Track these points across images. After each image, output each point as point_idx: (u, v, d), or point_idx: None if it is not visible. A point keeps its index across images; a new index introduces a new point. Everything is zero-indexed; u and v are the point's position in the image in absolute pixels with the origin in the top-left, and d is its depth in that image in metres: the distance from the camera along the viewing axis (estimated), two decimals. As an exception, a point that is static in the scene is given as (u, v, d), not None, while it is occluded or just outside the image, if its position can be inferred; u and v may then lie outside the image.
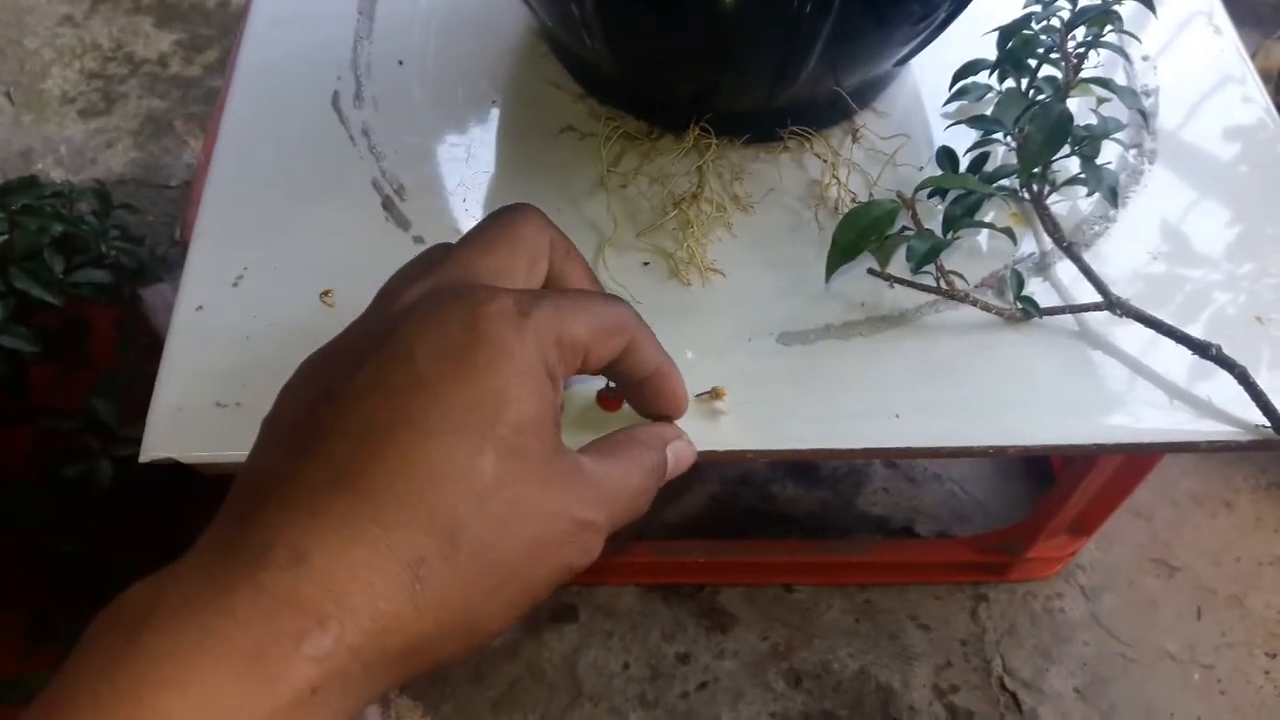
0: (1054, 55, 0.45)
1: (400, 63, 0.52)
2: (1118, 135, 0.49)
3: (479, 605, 0.25)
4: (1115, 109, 0.50)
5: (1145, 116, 0.52)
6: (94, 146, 1.01)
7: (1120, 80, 0.53)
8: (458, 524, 0.24)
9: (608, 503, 0.29)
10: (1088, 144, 0.44)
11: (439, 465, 0.24)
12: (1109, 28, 0.42)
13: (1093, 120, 0.45)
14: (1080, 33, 0.44)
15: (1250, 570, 0.78)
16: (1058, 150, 0.41)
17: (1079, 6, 0.44)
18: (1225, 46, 0.55)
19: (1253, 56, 0.89)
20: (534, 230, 0.31)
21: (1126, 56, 0.53)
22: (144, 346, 0.70)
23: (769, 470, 0.81)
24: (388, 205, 0.46)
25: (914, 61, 0.52)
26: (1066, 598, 0.76)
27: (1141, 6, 0.46)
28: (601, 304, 0.30)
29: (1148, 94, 0.53)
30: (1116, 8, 0.44)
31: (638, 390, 0.34)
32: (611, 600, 0.78)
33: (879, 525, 0.79)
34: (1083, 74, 0.44)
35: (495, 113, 0.50)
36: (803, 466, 0.82)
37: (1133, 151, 0.50)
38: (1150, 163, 0.50)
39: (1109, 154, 0.49)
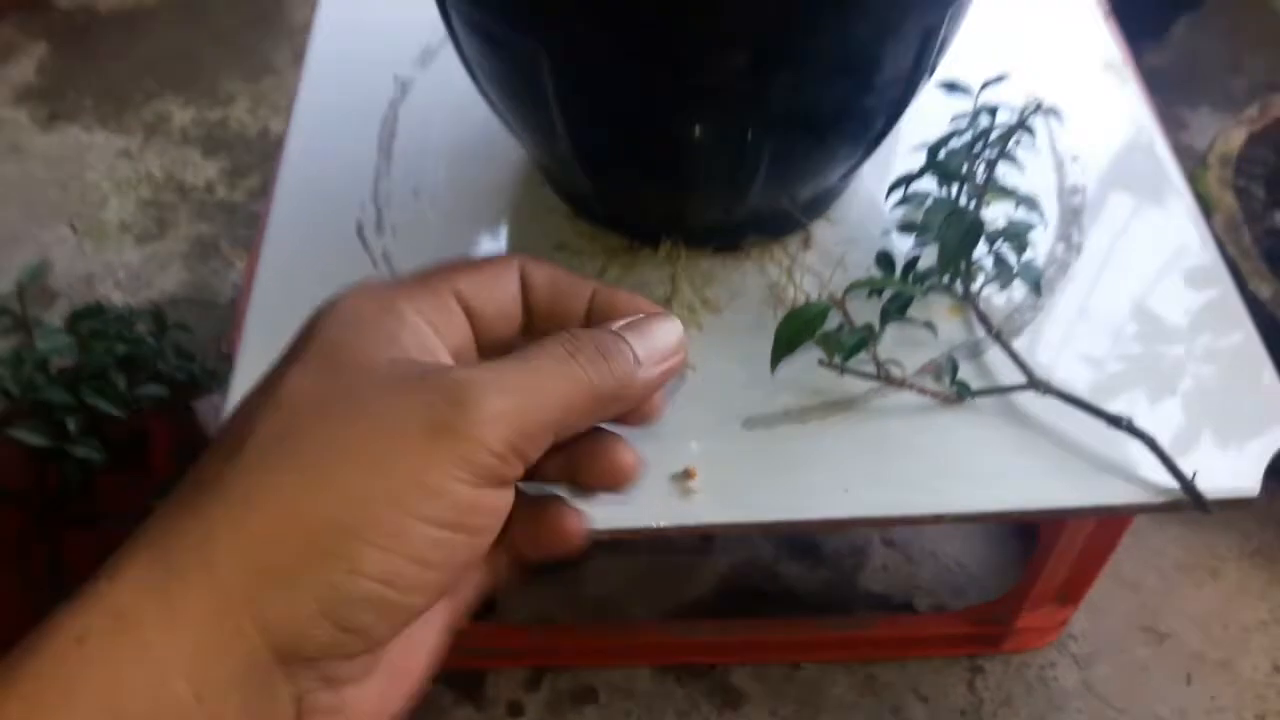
0: (980, 159, 0.51)
1: (416, 193, 0.59)
2: (1049, 228, 0.56)
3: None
4: (1047, 206, 0.57)
5: (1074, 212, 0.58)
6: (149, 269, 1.10)
7: (1051, 179, 0.59)
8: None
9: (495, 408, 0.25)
10: (1011, 242, 0.50)
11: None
12: (1015, 141, 0.48)
13: (1020, 216, 0.51)
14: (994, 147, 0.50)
15: (1237, 636, 0.81)
16: (970, 252, 0.47)
17: (995, 123, 0.51)
18: (1144, 144, 0.61)
19: (1213, 142, 0.95)
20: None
21: (1057, 155, 0.60)
22: (197, 454, 0.77)
23: (774, 552, 0.86)
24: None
25: (866, 173, 0.58)
26: (1059, 666, 0.80)
27: (1076, 103, 0.52)
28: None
29: (1076, 192, 0.59)
30: (1049, 116, 0.51)
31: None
32: (628, 681, 0.82)
33: (880, 602, 0.83)
34: (1007, 178, 0.51)
35: (500, 233, 0.58)
36: (805, 547, 0.86)
37: (1061, 245, 0.56)
38: (1078, 255, 0.56)
39: (1039, 249, 0.56)
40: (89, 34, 1.39)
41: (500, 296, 0.30)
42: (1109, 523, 0.67)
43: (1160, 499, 0.47)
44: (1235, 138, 0.97)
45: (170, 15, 1.41)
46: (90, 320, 0.67)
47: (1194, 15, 1.33)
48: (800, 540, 0.86)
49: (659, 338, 0.30)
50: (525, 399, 0.26)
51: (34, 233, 1.14)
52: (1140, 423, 0.47)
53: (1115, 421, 0.47)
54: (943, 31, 0.45)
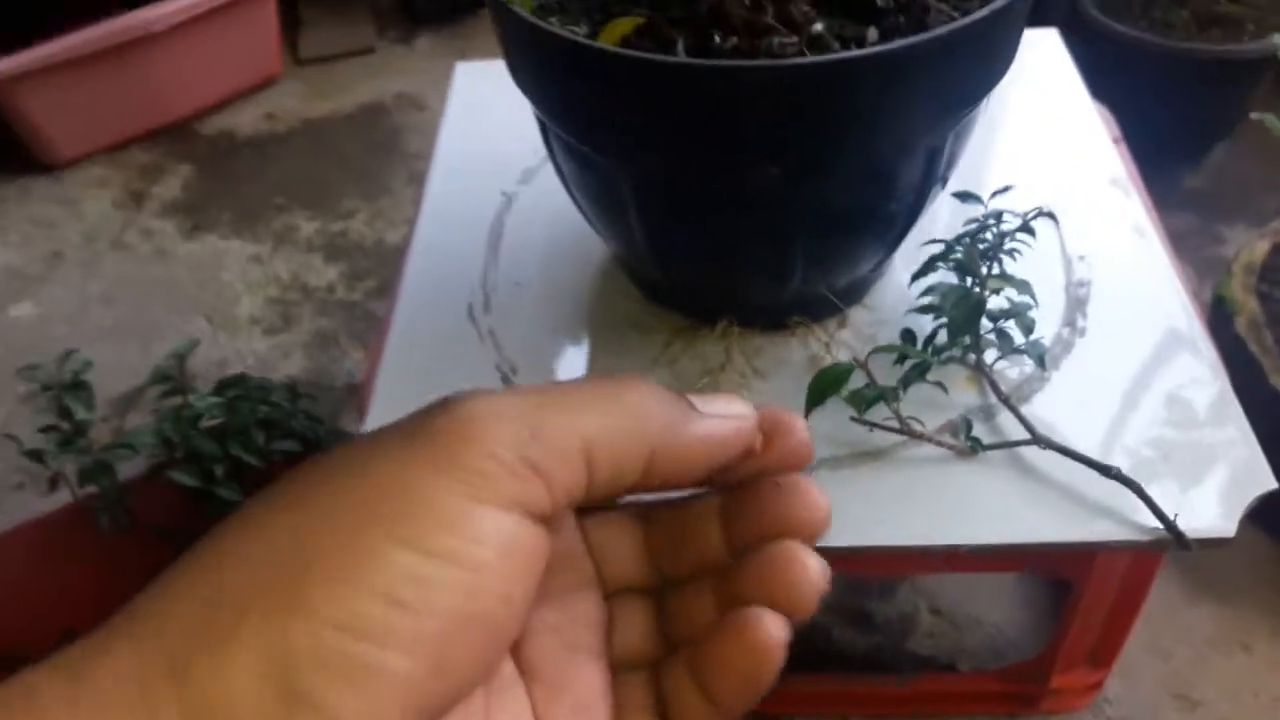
0: (990, 256, 0.61)
1: (517, 283, 0.71)
2: (1057, 314, 0.65)
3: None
4: (1056, 296, 0.66)
5: (1079, 302, 0.67)
6: (274, 356, 1.24)
7: (1060, 275, 0.68)
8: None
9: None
10: (1015, 320, 0.59)
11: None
12: (1009, 242, 0.58)
13: (1027, 302, 0.61)
14: (1000, 243, 0.60)
15: (1268, 705, 0.86)
16: (974, 327, 0.56)
17: (1001, 225, 0.61)
18: (1148, 247, 0.71)
19: (1238, 252, 1.03)
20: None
21: (1065, 255, 0.69)
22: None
23: (828, 619, 0.94)
24: (505, 381, 0.64)
25: (899, 265, 0.69)
26: (1094, 728, 0.85)
27: (1085, 211, 0.61)
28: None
29: (1082, 284, 0.68)
30: (1057, 222, 0.61)
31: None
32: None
33: (926, 664, 0.90)
34: (1016, 272, 0.60)
35: (583, 314, 0.69)
36: (858, 614, 0.94)
37: (1067, 329, 0.65)
38: (1081, 337, 0.65)
39: (1048, 330, 0.65)
40: (229, 157, 1.58)
41: None
42: (1132, 584, 0.74)
43: (1146, 537, 0.55)
44: (1260, 248, 1.05)
45: (301, 142, 1.60)
46: (235, 387, 0.80)
47: (1229, 141, 1.42)
48: (853, 607, 0.94)
49: (720, 401, 0.26)
50: (543, 404, 0.22)
51: (176, 324, 1.30)
52: (1130, 474, 0.55)
53: (1106, 470, 0.56)
54: (947, 150, 0.56)
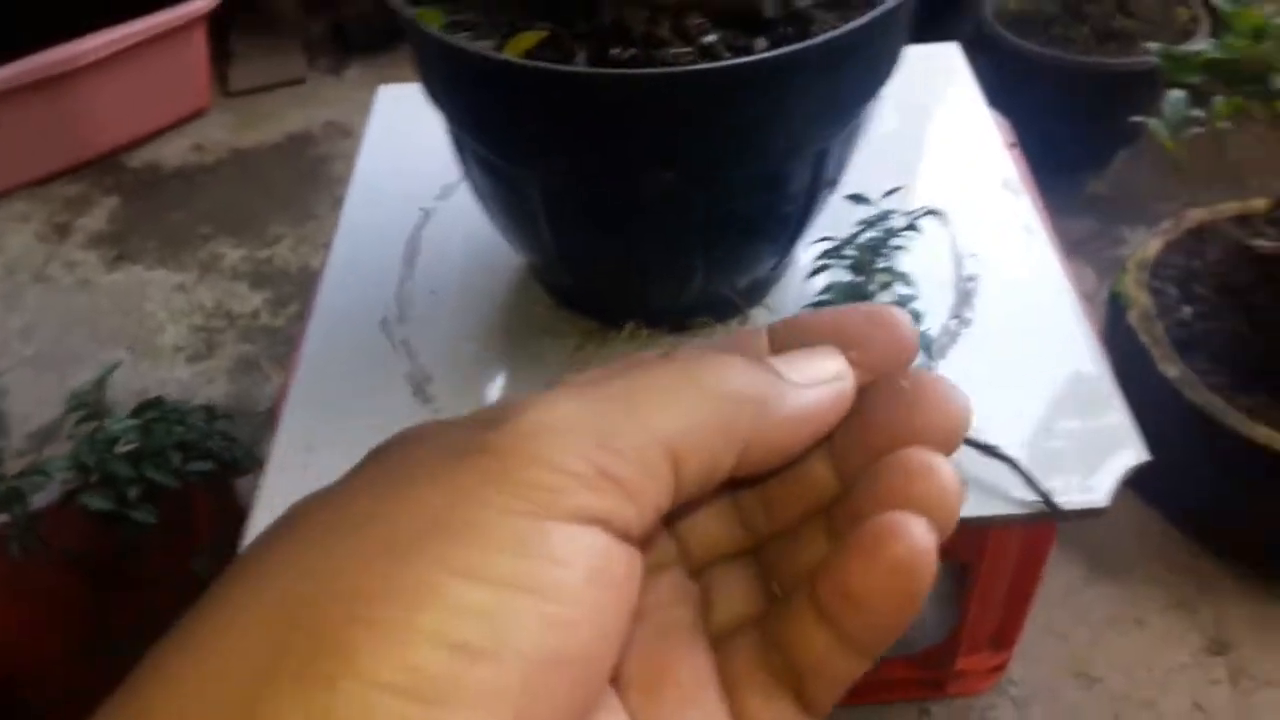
0: (881, 253, 0.65)
1: (433, 293, 0.73)
2: (947, 307, 0.69)
3: None
4: (945, 290, 0.70)
5: (967, 295, 0.71)
6: (197, 384, 1.25)
7: (950, 270, 0.73)
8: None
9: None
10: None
11: None
12: (895, 242, 0.62)
13: (912, 294, 0.65)
14: (886, 240, 0.64)
15: (1161, 678, 0.90)
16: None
17: (890, 224, 0.65)
18: (1035, 244, 0.75)
19: (1134, 250, 1.09)
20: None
21: (956, 252, 0.74)
22: (238, 522, 0.90)
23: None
24: (417, 391, 0.67)
25: (802, 267, 0.72)
26: (999, 709, 0.89)
27: (977, 212, 0.66)
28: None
29: (970, 279, 0.72)
30: (948, 221, 0.65)
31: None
32: None
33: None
34: (909, 268, 0.64)
35: (497, 321, 0.72)
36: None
37: (954, 321, 0.69)
38: (967, 328, 0.69)
39: (936, 322, 0.69)
40: (155, 189, 1.59)
41: None
42: (1027, 564, 0.78)
43: (1025, 510, 0.59)
44: (1152, 246, 1.11)
45: (228, 172, 1.61)
46: (152, 410, 0.81)
47: (1130, 149, 1.49)
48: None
49: (810, 360, 0.22)
50: (613, 407, 0.19)
51: (97, 354, 1.30)
52: (1013, 453, 0.59)
53: (986, 449, 0.59)
54: (835, 153, 0.60)
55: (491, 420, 0.18)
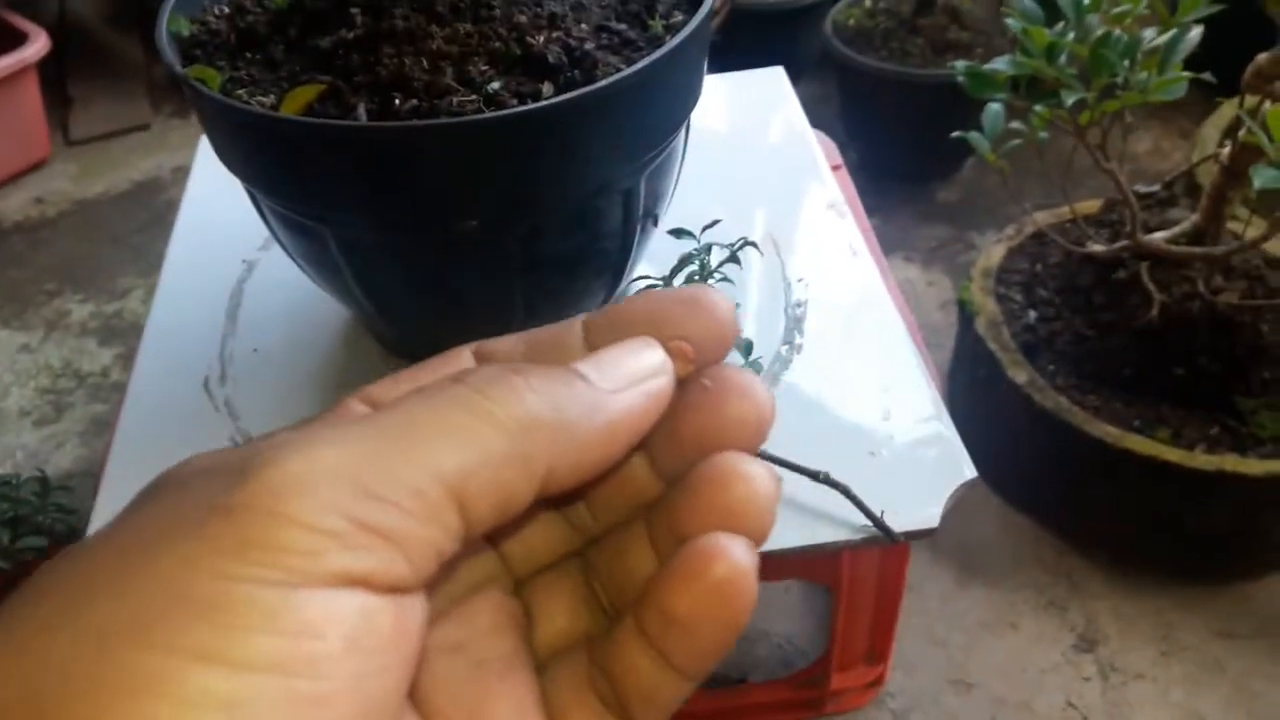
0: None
1: (255, 350, 0.71)
2: (776, 334, 0.69)
3: None
4: (776, 317, 0.70)
5: (797, 320, 0.71)
6: (46, 449, 1.19)
7: (780, 297, 0.73)
8: None
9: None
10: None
11: None
12: (718, 274, 0.62)
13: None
14: (708, 273, 0.64)
15: (1035, 679, 0.92)
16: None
17: (710, 257, 0.64)
18: (860, 265, 0.76)
19: (978, 258, 1.11)
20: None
21: (785, 279, 0.74)
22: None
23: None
24: (244, 452, 0.64)
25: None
26: (878, 721, 0.89)
27: (804, 236, 0.66)
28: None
29: (799, 305, 0.72)
30: (776, 247, 0.65)
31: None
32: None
33: (719, 681, 0.93)
34: (735, 298, 0.64)
35: (323, 374, 0.69)
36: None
37: (785, 347, 0.69)
38: (798, 354, 0.69)
39: (766, 349, 0.69)
40: (-7, 245, 1.51)
41: (430, 377, 0.22)
42: (887, 580, 0.78)
43: (860, 535, 0.59)
44: (995, 253, 1.13)
45: (72, 224, 1.54)
46: (-21, 488, 0.76)
47: (978, 155, 1.53)
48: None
49: (620, 355, 0.21)
50: (379, 449, 0.17)
51: (-62, 427, 1.23)
52: (845, 479, 0.59)
53: (815, 476, 0.59)
54: (642, 190, 0.59)
55: (243, 469, 0.16)
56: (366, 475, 0.17)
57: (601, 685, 0.21)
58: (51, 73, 1.66)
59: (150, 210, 1.55)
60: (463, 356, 0.23)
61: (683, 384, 0.22)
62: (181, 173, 1.61)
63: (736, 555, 0.19)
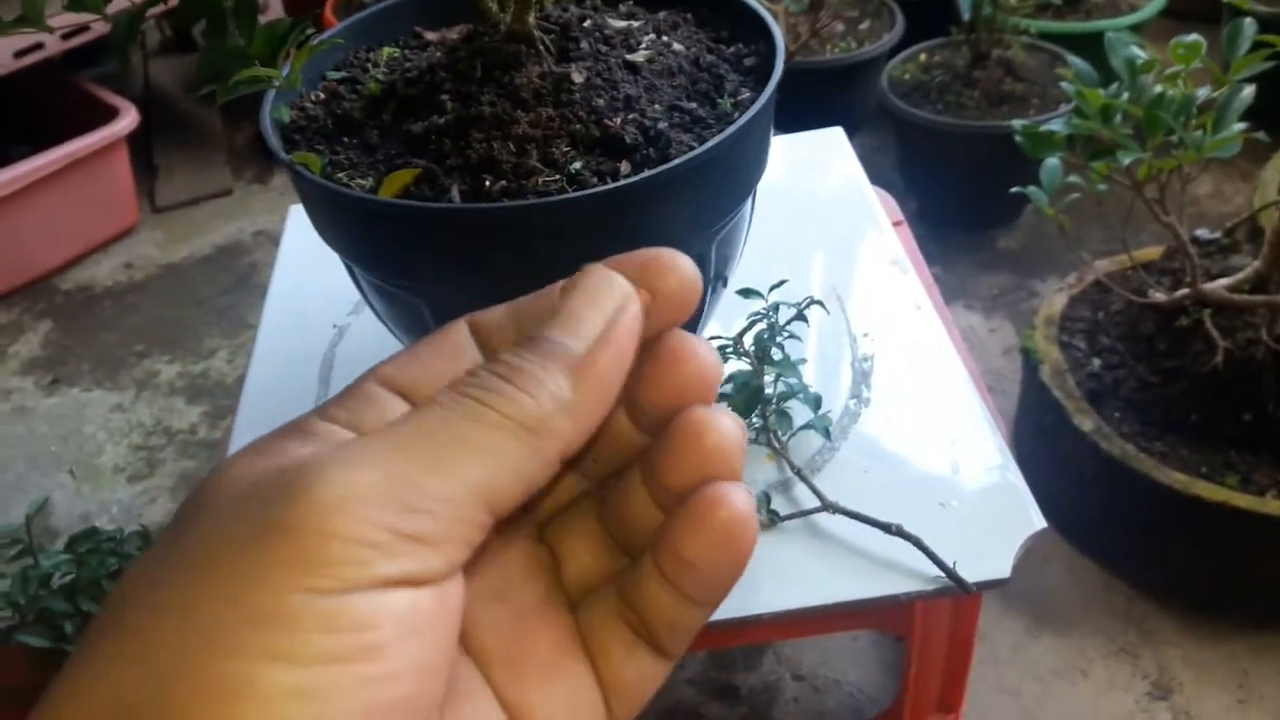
0: (776, 343, 0.67)
1: (348, 411, 0.75)
2: (843, 388, 0.72)
3: None
4: (843, 372, 0.73)
5: (864, 375, 0.74)
6: (139, 503, 1.24)
7: (846, 351, 0.75)
8: None
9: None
10: (803, 397, 0.65)
11: None
12: (785, 332, 0.65)
13: (796, 382, 0.67)
14: (776, 332, 0.66)
15: (1108, 727, 0.92)
16: (753, 410, 0.62)
17: (778, 316, 0.67)
18: (925, 319, 0.78)
19: (1040, 306, 1.13)
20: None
21: (851, 334, 0.76)
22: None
23: (697, 695, 0.97)
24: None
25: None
26: (951, 769, 0.90)
27: (868, 292, 0.69)
28: None
29: (866, 359, 0.75)
30: (843, 302, 0.67)
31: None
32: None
33: (793, 730, 0.94)
34: (803, 353, 0.66)
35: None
36: (724, 688, 0.97)
37: (853, 401, 0.72)
38: (866, 407, 0.71)
39: (834, 404, 0.71)
40: (87, 310, 1.59)
41: (439, 362, 0.24)
42: (959, 630, 0.79)
43: (932, 586, 0.61)
44: (1057, 301, 1.15)
45: (160, 287, 1.62)
46: (86, 542, 0.81)
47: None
48: (718, 681, 0.97)
49: (580, 305, 0.23)
50: (410, 469, 0.19)
51: (37, 481, 1.29)
52: (917, 530, 0.61)
53: (887, 528, 0.61)
54: (713, 255, 0.62)
55: (289, 487, 0.19)
56: (401, 491, 0.19)
57: (630, 617, 0.24)
58: (138, 142, 1.75)
59: (233, 273, 1.62)
60: (459, 329, 0.25)
61: (645, 346, 0.24)
62: (263, 236, 1.69)
63: (738, 501, 0.22)
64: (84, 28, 1.62)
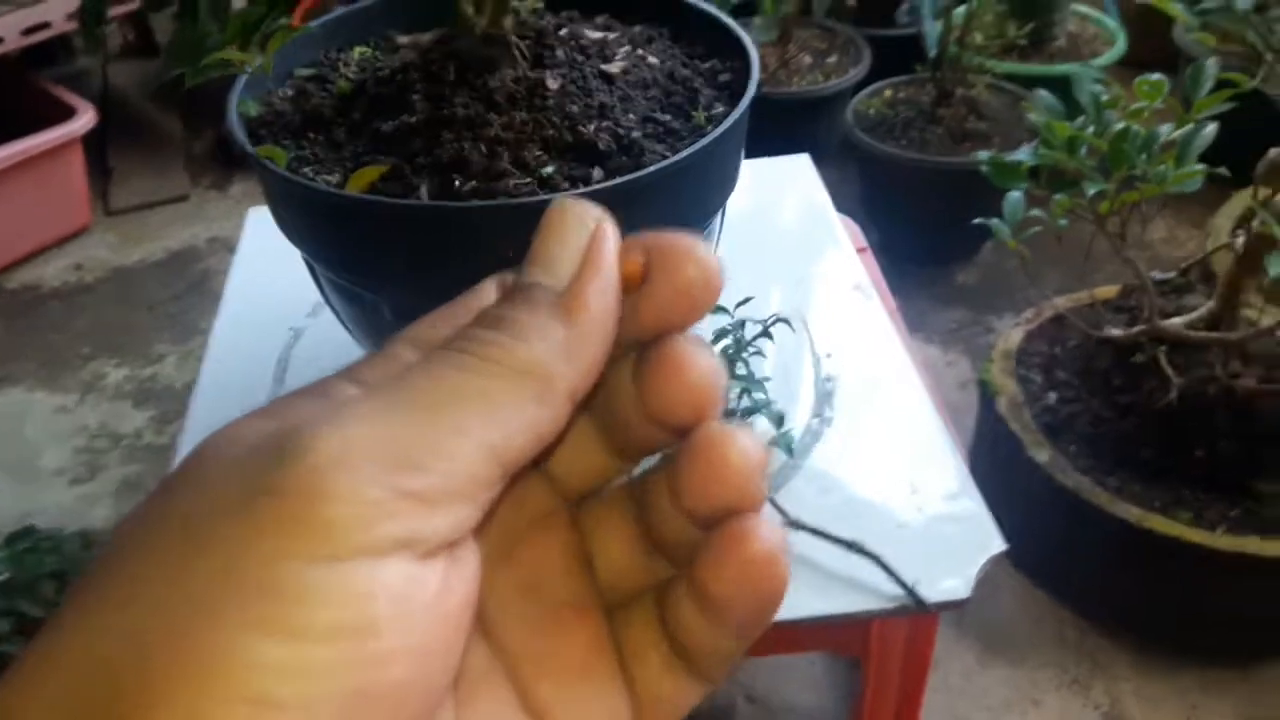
0: (741, 359, 0.67)
1: (302, 415, 0.73)
2: (806, 407, 0.71)
3: None
4: (806, 391, 0.73)
5: (827, 395, 0.74)
6: (80, 508, 1.21)
7: (810, 372, 0.75)
8: None
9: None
10: (766, 413, 0.65)
11: None
12: (751, 348, 0.64)
13: (764, 400, 0.67)
14: (742, 348, 0.66)
15: (1056, 758, 0.92)
16: (718, 425, 0.62)
17: (741, 334, 0.67)
18: (887, 344, 0.78)
19: (996, 340, 1.14)
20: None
21: (815, 354, 0.76)
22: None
23: None
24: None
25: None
26: (901, 798, 0.89)
27: (831, 315, 0.68)
28: None
29: (829, 379, 0.75)
30: (805, 324, 0.67)
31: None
32: None
33: (743, 755, 0.93)
34: (764, 370, 0.66)
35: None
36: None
37: (816, 420, 0.72)
38: (828, 426, 0.71)
39: (797, 422, 0.71)
40: (33, 310, 1.55)
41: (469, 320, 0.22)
42: (914, 654, 0.79)
43: (892, 604, 0.61)
44: (1014, 336, 1.16)
45: (110, 290, 1.59)
46: (23, 541, 0.79)
47: (996, 240, 1.56)
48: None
49: (566, 240, 0.22)
50: (400, 420, 0.18)
51: (-25, 485, 1.25)
52: (878, 549, 0.61)
53: (850, 545, 0.61)
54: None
55: (281, 448, 0.17)
56: (399, 447, 0.18)
57: (669, 637, 0.22)
58: (94, 144, 1.72)
59: (185, 279, 1.59)
60: (489, 287, 0.24)
61: (645, 352, 0.22)
62: (218, 243, 1.66)
63: (763, 537, 0.20)
64: (44, 24, 1.59)
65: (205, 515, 0.17)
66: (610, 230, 0.22)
